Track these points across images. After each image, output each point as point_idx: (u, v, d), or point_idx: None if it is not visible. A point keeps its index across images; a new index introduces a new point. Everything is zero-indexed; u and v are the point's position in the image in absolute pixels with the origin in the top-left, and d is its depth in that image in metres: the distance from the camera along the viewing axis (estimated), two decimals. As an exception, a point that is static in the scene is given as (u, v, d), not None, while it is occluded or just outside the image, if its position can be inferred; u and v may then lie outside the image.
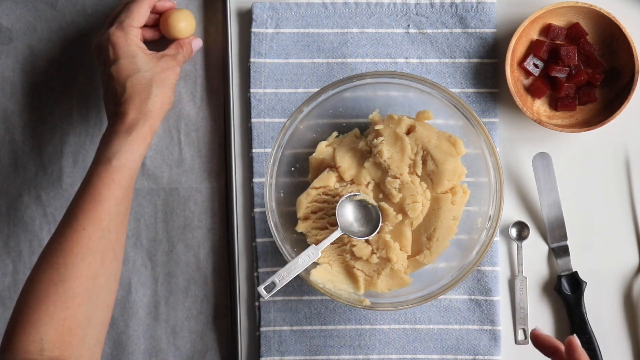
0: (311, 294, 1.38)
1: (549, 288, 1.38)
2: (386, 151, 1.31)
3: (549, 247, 1.38)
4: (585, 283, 1.36)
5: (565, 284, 1.37)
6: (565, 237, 1.37)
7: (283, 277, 1.26)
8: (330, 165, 1.33)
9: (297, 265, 1.27)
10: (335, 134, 1.34)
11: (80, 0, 1.40)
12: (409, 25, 1.39)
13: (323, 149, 1.33)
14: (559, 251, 1.37)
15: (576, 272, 1.37)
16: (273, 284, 1.26)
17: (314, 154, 1.33)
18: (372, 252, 1.31)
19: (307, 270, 1.29)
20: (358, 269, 1.31)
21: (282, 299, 1.38)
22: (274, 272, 1.37)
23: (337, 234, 1.29)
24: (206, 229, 1.39)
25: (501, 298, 1.38)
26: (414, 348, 1.37)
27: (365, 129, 1.35)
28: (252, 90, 1.39)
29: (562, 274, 1.37)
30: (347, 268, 1.32)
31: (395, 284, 1.31)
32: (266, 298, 1.26)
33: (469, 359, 1.37)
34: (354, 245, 1.31)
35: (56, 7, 1.40)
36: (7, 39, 1.40)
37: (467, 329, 1.37)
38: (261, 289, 1.26)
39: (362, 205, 1.31)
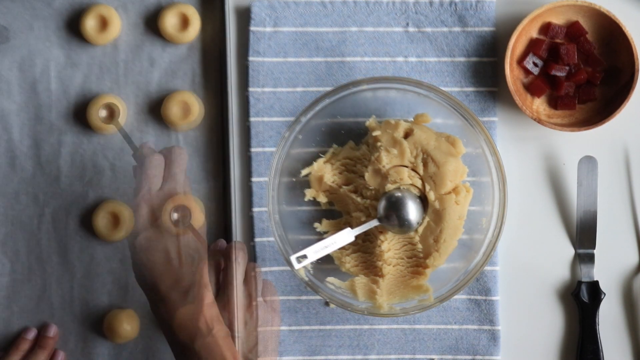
0: (309, 293, 1.37)
1: (562, 291, 1.37)
2: (385, 157, 1.30)
3: (576, 252, 1.37)
4: (604, 294, 1.36)
5: (584, 291, 1.36)
6: (594, 245, 1.36)
7: (316, 251, 1.27)
8: (331, 186, 1.34)
9: (331, 243, 1.27)
10: (331, 150, 1.34)
11: (78, -1, 1.40)
12: (407, 24, 1.39)
13: (321, 166, 1.33)
14: (585, 258, 1.36)
15: (597, 281, 1.36)
16: (305, 256, 1.26)
17: (312, 173, 1.33)
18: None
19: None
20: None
21: (280, 299, 1.37)
22: (272, 272, 1.37)
23: (373, 222, 1.29)
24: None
25: (500, 298, 1.37)
26: (413, 348, 1.37)
27: (365, 133, 1.34)
28: (250, 89, 1.38)
29: (583, 280, 1.36)
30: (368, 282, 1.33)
31: (413, 291, 1.31)
32: (297, 267, 1.26)
33: (468, 359, 1.37)
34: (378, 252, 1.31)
35: (53, 6, 1.39)
36: (3, 37, 1.39)
37: (466, 329, 1.37)
38: (293, 259, 1.26)
39: (401, 201, 1.30)
